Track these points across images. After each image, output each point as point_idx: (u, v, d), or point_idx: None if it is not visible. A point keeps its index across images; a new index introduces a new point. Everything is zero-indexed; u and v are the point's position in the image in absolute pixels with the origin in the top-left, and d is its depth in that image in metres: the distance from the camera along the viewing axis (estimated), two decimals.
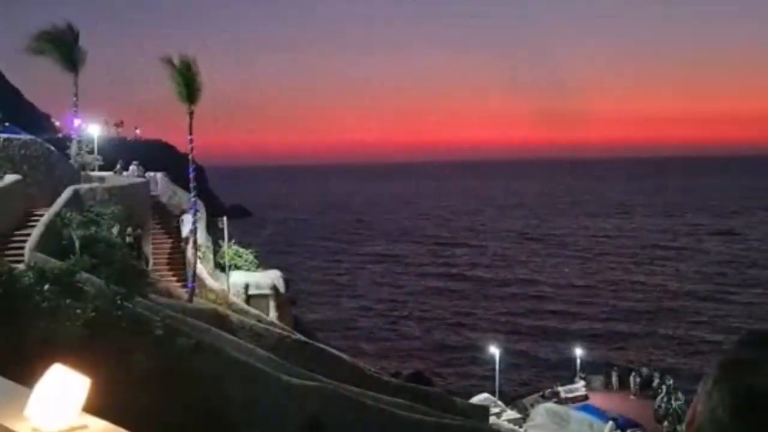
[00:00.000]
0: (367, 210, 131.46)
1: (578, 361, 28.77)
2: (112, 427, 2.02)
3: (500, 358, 27.63)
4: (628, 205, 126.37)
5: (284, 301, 24.62)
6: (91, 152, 26.45)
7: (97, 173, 25.85)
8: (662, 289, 54.01)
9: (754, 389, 1.05)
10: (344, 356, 21.26)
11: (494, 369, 27.30)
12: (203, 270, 22.27)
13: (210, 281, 22.25)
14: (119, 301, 12.75)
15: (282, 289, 24.40)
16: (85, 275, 14.01)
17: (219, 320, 18.02)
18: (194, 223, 21.29)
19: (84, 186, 21.36)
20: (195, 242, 21.20)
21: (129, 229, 20.15)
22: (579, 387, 26.35)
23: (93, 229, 17.82)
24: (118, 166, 29.81)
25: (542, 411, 23.25)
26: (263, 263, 26.72)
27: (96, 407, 2.11)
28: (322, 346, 21.16)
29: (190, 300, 19.66)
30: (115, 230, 19.02)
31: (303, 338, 20.89)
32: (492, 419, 22.08)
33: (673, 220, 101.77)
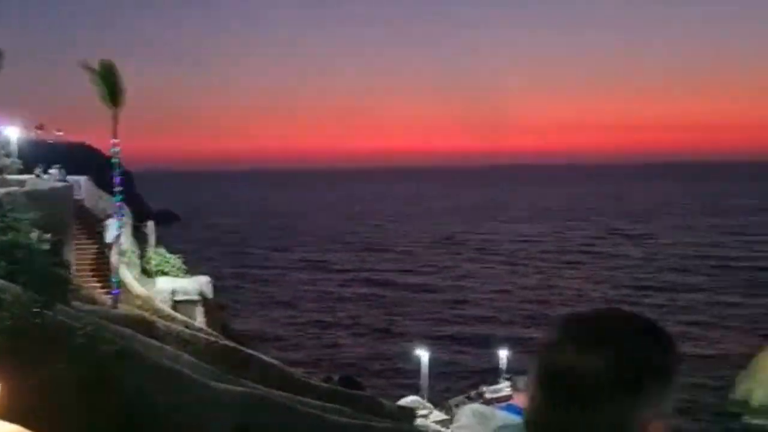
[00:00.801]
0: (296, 216, 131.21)
1: (503, 363, 29.45)
2: (19, 429, 2.08)
3: (428, 361, 28.04)
4: (552, 211, 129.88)
5: (212, 307, 24.41)
6: (8, 155, 25.65)
7: (15, 177, 25.08)
8: (581, 292, 55.99)
9: (555, 365, 1.17)
10: (273, 361, 21.22)
11: (422, 372, 27.68)
12: (129, 276, 21.87)
13: (136, 287, 21.86)
14: (38, 309, 12.44)
15: (210, 294, 24.18)
16: (1, 282, 13.63)
17: (145, 327, 17.75)
18: (119, 228, 20.91)
19: (1, 190, 20.72)
20: (120, 248, 20.82)
21: (48, 235, 19.64)
22: (503, 387, 26.94)
23: (11, 234, 17.29)
24: (38, 170, 28.96)
25: (468, 411, 23.65)
26: (191, 269, 26.40)
27: (12, 413, 2.17)
28: (251, 351, 21.07)
29: (115, 306, 19.31)
30: (34, 236, 18.50)
31: (231, 344, 20.75)
32: (419, 421, 22.42)
33: (593, 225, 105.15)
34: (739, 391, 31.05)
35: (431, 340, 37.70)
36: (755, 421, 29.64)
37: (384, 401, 21.57)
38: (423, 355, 28.28)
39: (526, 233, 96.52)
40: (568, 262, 71.49)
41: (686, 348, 39.83)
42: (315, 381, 21.88)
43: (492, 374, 30.86)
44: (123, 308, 19.42)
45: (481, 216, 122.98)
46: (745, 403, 30.49)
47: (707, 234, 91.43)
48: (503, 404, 27.95)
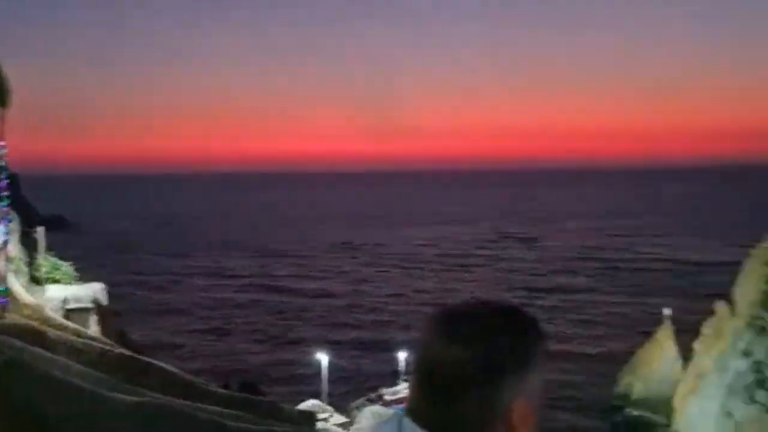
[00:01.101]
0: (193, 221, 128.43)
1: (401, 365, 30.07)
2: None
3: (327, 365, 28.30)
4: (450, 215, 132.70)
5: (107, 314, 23.71)
6: None
7: None
8: (475, 295, 57.47)
9: (427, 358, 1.30)
10: (172, 369, 20.89)
11: (321, 376, 27.92)
12: (16, 284, 21.01)
13: (24, 296, 21.03)
14: None
15: (104, 302, 23.51)
16: None
17: (34, 336, 17.14)
18: (6, 234, 20.08)
19: None
20: (7, 255, 20.00)
21: None
22: (402, 389, 27.58)
23: None
24: None
25: (368, 413, 24.15)
26: (84, 276, 25.58)
27: None
28: (148, 359, 20.63)
29: (2, 316, 18.55)
30: None
31: (128, 352, 20.27)
32: (320, 424, 22.59)
33: (488, 229, 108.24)
34: (622, 386, 32.92)
35: (330, 345, 37.98)
36: (636, 413, 31.51)
37: (284, 406, 21.54)
38: (322, 359, 28.51)
39: (424, 237, 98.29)
40: (463, 266, 73.42)
41: (574, 347, 41.86)
42: (214, 388, 21.67)
43: (391, 376, 31.46)
44: (11, 318, 18.68)
45: (380, 220, 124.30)
46: (626, 397, 32.35)
47: (593, 236, 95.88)
48: (402, 405, 28.63)
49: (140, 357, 20.38)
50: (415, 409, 1.31)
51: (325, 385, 27.44)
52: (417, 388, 1.31)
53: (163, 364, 20.98)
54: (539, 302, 54.25)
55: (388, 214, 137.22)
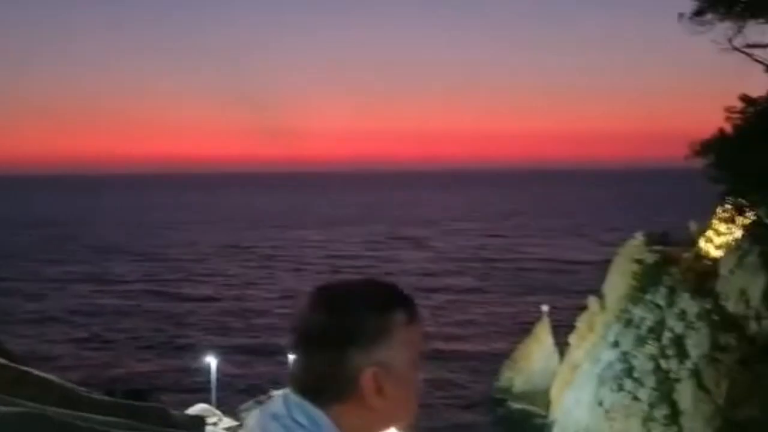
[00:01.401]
0: (71, 225, 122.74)
1: (290, 366, 30.19)
2: None
3: (216, 369, 28.05)
4: (341, 217, 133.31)
5: None
6: None
7: None
8: None
9: (300, 326, 1.44)
10: (51, 378, 20.18)
11: (211, 380, 27.65)
12: None
13: None
14: None
15: None
16: None
17: None
18: None
19: None
20: None
21: None
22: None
23: None
24: None
25: (256, 413, 24.23)
26: None
27: None
28: (25, 368, 19.87)
29: None
30: None
31: (2, 361, 19.46)
32: (209, 428, 22.45)
33: (379, 230, 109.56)
34: (503, 380, 34.34)
35: (220, 349, 37.55)
36: (516, 406, 32.95)
37: (172, 412, 21.31)
38: (211, 362, 28.25)
39: (314, 239, 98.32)
40: (354, 267, 74.04)
41: (459, 346, 43.15)
42: (98, 396, 21.10)
43: (282, 379, 31.48)
44: None
45: (269, 223, 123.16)
46: (507, 390, 33.79)
47: (479, 237, 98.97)
48: None
49: (14, 365, 19.57)
50: (293, 374, 1.43)
51: (214, 389, 27.20)
52: (294, 353, 1.44)
53: (40, 373, 20.25)
54: (427, 302, 55.37)
55: (278, 216, 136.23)
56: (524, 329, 37.30)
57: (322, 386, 1.38)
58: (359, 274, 70.33)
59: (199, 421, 22.12)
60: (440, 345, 43.59)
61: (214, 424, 23.64)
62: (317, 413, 1.37)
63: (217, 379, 27.67)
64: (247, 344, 44.32)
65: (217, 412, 25.38)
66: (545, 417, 30.01)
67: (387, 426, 1.47)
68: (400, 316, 1.42)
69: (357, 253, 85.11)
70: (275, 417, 1.39)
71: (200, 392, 31.21)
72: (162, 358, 42.16)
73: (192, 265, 76.50)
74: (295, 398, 1.40)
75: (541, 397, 31.60)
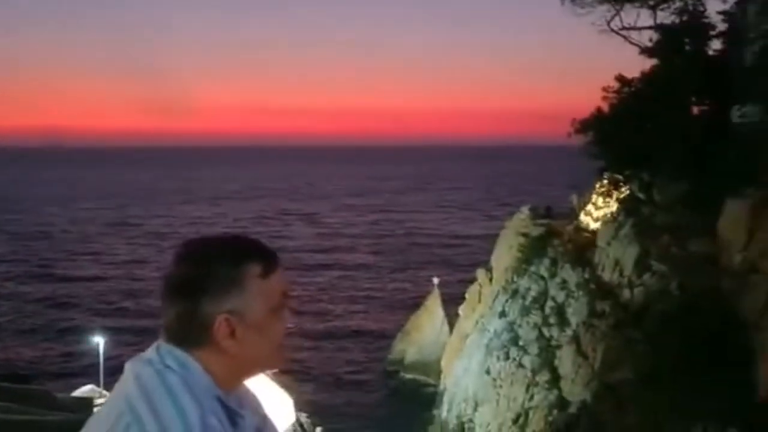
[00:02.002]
0: None
1: None
2: None
3: (104, 349, 27.25)
4: (231, 192, 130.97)
5: None
6: None
7: None
8: None
9: (166, 275, 1.57)
10: None
11: (99, 361, 26.84)
12: None
13: None
14: None
15: None
16: None
17: None
18: None
19: None
20: None
21: None
22: None
23: None
24: None
25: (131, 363, 23.72)
26: None
27: None
28: None
29: None
30: None
31: None
32: (97, 409, 21.88)
33: (268, 205, 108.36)
34: (395, 352, 35.10)
35: (108, 331, 36.41)
36: (409, 376, 33.81)
37: (57, 395, 20.62)
38: (99, 343, 27.41)
39: (202, 215, 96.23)
40: None
41: (353, 323, 43.53)
42: None
43: None
44: None
45: (160, 199, 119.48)
46: (400, 362, 34.57)
47: (368, 213, 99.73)
48: None
49: None
50: (164, 325, 1.55)
51: (101, 371, 26.41)
52: (163, 307, 1.56)
53: None
54: (319, 279, 55.55)
55: (168, 192, 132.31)
56: (417, 303, 38.08)
57: (184, 333, 1.50)
58: None
59: (87, 403, 21.42)
60: (334, 322, 43.94)
61: (102, 405, 23.01)
62: (186, 357, 1.48)
63: (106, 361, 26.88)
64: (137, 325, 43.07)
65: (105, 393, 24.67)
66: (436, 386, 30.95)
67: (251, 370, 1.60)
68: (254, 268, 1.52)
69: (247, 229, 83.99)
70: (148, 363, 1.50)
71: (88, 375, 30.27)
72: (46, 342, 40.49)
73: (77, 245, 73.38)
74: (166, 345, 1.51)
75: (432, 367, 32.54)
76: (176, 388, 1.42)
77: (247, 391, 1.67)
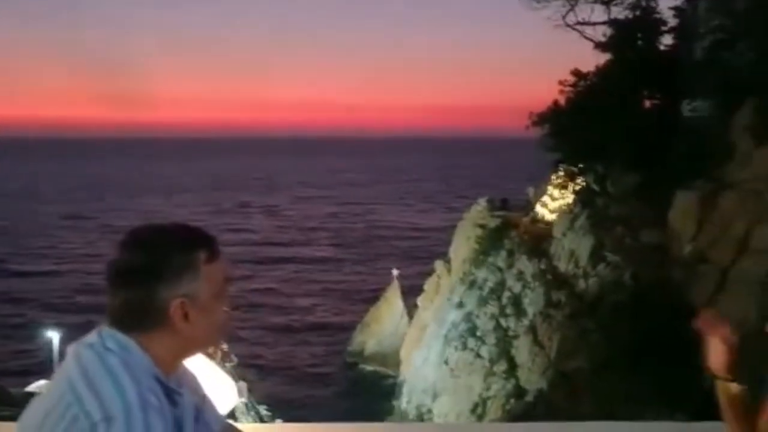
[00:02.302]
0: None
1: None
2: None
3: (59, 343, 26.81)
4: (184, 185, 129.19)
5: None
6: None
7: None
8: None
9: (111, 262, 1.58)
10: None
11: (53, 356, 26.38)
12: None
13: None
14: None
15: None
16: None
17: None
18: None
19: None
20: None
21: None
22: None
23: None
24: None
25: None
26: None
27: None
28: None
29: None
30: None
31: None
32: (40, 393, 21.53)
33: (224, 199, 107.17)
34: (355, 344, 35.20)
35: (63, 327, 35.83)
36: (368, 368, 33.95)
37: (11, 389, 20.28)
38: (53, 338, 26.93)
39: (160, 208, 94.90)
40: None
41: (314, 317, 43.35)
42: None
43: None
44: None
45: (116, 191, 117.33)
46: (360, 354, 34.69)
47: (328, 205, 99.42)
48: None
49: None
50: (107, 310, 1.59)
51: (55, 366, 25.99)
52: (108, 292, 1.59)
53: None
54: (278, 272, 55.30)
55: (124, 185, 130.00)
56: (377, 295, 38.13)
57: (134, 318, 1.54)
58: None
59: None
60: (294, 315, 43.81)
61: None
62: (127, 340, 1.53)
63: (60, 356, 26.42)
64: (92, 320, 41.82)
65: None
66: (395, 377, 31.14)
67: (193, 350, 1.67)
68: (203, 254, 1.60)
69: (207, 222, 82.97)
70: (89, 346, 1.53)
71: (42, 371, 29.71)
72: None
73: (31, 239, 71.75)
74: (108, 329, 1.56)
75: (392, 358, 32.72)
76: (116, 368, 1.48)
77: (186, 372, 1.72)
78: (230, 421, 2.06)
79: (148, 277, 1.54)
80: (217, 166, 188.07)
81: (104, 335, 1.55)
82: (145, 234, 1.61)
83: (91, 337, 1.56)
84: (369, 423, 2.78)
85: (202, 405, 1.76)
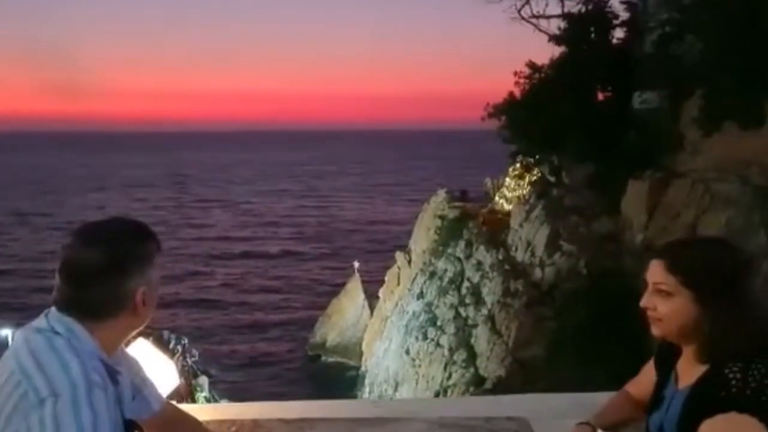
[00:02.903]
0: None
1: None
2: None
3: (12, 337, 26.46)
4: (139, 179, 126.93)
5: None
6: None
7: None
8: (167, 263, 56.03)
9: (65, 258, 1.69)
10: None
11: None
12: None
13: None
14: None
15: None
16: None
17: None
18: None
19: None
20: None
21: None
22: None
23: None
24: None
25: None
26: None
27: None
28: None
29: None
30: None
31: None
32: None
33: (180, 192, 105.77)
34: (317, 337, 35.31)
35: (16, 326, 35.22)
36: (331, 360, 34.11)
37: None
38: (8, 336, 26.64)
39: (113, 203, 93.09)
40: (158, 234, 70.71)
41: (272, 314, 42.87)
42: None
43: None
44: None
45: (70, 186, 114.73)
46: (322, 346, 34.82)
47: (284, 199, 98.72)
48: None
49: None
50: (59, 299, 1.69)
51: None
52: (60, 283, 1.70)
53: None
54: (237, 267, 54.78)
55: (77, 179, 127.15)
56: (338, 288, 38.11)
57: (96, 309, 1.67)
58: (161, 237, 67.59)
59: None
60: (255, 309, 43.60)
61: None
62: (73, 323, 1.65)
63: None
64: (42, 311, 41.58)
65: None
66: (357, 368, 31.37)
67: (138, 328, 1.83)
68: (153, 244, 1.78)
69: (160, 217, 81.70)
70: (38, 330, 1.66)
71: None
72: None
73: None
74: (55, 313, 1.68)
75: (353, 349, 32.95)
76: (62, 349, 1.59)
77: (126, 355, 1.88)
78: (172, 402, 2.20)
79: (114, 272, 1.67)
80: (171, 160, 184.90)
81: (51, 319, 1.67)
82: (100, 231, 1.75)
83: (40, 321, 1.68)
84: (315, 401, 2.97)
85: (143, 386, 1.92)
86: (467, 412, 2.35)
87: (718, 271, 1.89)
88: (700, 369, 1.91)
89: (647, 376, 2.25)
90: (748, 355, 1.83)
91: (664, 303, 1.93)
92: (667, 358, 2.09)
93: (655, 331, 1.98)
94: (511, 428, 2.21)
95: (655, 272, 1.95)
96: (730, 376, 1.79)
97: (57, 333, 1.63)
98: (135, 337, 1.95)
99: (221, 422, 2.08)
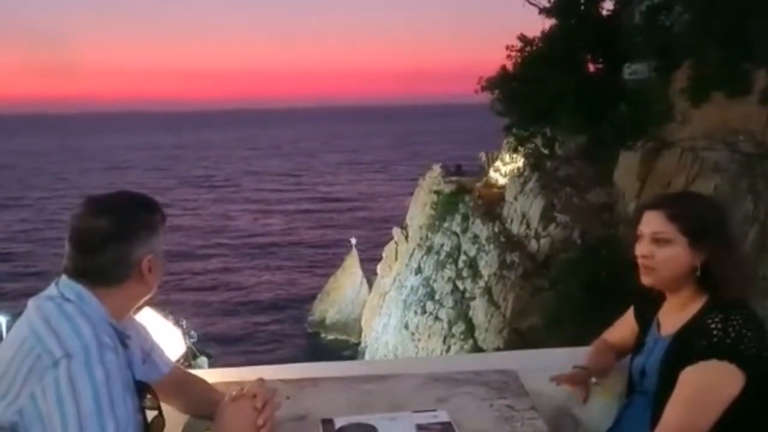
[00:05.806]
0: None
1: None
2: None
3: (8, 328, 26.59)
4: (120, 162, 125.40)
5: None
6: None
7: None
8: (172, 238, 56.10)
9: (75, 226, 1.75)
10: None
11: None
12: None
13: None
14: None
15: None
16: None
17: None
18: None
19: None
20: None
21: None
22: None
23: None
24: None
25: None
26: None
27: None
28: None
29: None
30: None
31: None
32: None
33: (172, 175, 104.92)
34: (316, 314, 35.53)
35: (9, 311, 35.33)
36: (330, 337, 34.35)
37: None
38: (1, 323, 26.80)
39: (102, 185, 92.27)
40: None
41: (271, 293, 42.92)
42: None
43: None
44: None
45: (51, 169, 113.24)
46: (321, 323, 35.06)
47: (277, 177, 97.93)
48: None
49: None
50: (69, 266, 1.74)
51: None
52: (70, 251, 1.75)
53: None
54: (227, 249, 54.50)
55: (52, 164, 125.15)
56: (336, 265, 38.13)
57: (106, 275, 1.74)
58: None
59: None
60: (254, 288, 43.71)
61: None
62: (83, 290, 1.72)
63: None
64: (30, 292, 41.44)
65: None
66: (357, 345, 31.64)
67: (146, 297, 1.91)
68: (159, 215, 1.86)
69: (162, 197, 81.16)
70: (48, 298, 1.72)
71: None
72: None
73: None
74: (65, 280, 1.74)
75: (353, 326, 33.19)
76: (72, 313, 1.66)
77: (134, 322, 1.98)
78: (180, 366, 2.29)
79: (121, 239, 1.74)
80: (153, 141, 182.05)
81: (61, 286, 1.75)
82: (108, 201, 1.81)
83: (50, 290, 1.75)
84: (315, 363, 3.11)
85: (152, 351, 2.02)
86: (458, 367, 2.50)
87: (711, 219, 2.04)
88: (683, 318, 2.06)
89: (624, 324, 2.43)
90: (741, 298, 1.98)
91: (662, 250, 2.04)
92: (646, 308, 2.26)
93: (647, 280, 2.09)
94: (500, 380, 2.36)
95: (654, 221, 2.06)
96: (712, 325, 1.93)
97: (67, 299, 1.69)
98: (141, 307, 2.06)
99: (227, 384, 2.22)
